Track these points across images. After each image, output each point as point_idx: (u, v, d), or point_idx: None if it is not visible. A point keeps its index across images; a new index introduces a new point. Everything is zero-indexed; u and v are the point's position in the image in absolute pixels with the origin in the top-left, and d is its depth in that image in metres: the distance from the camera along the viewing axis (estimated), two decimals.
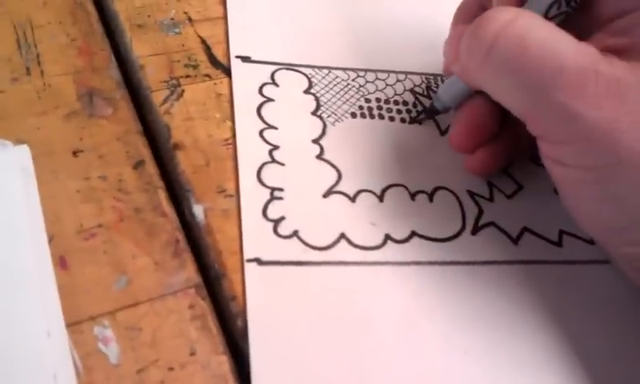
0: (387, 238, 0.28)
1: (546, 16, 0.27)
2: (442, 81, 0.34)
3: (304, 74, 0.33)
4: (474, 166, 0.30)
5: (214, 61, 0.32)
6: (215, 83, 0.32)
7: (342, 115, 0.32)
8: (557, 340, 0.27)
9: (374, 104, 0.33)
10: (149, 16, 0.33)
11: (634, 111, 0.24)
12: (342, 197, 0.29)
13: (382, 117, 0.32)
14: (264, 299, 0.26)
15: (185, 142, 0.29)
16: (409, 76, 0.34)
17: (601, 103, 0.24)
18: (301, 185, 0.29)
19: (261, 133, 0.30)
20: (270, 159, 0.29)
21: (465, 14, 0.31)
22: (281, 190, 0.29)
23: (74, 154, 0.28)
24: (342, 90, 0.33)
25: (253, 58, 0.33)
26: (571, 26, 0.26)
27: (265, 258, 0.27)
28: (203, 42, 0.33)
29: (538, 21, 0.26)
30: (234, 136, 0.30)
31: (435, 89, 0.34)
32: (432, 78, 0.34)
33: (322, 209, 0.29)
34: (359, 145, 0.31)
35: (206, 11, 0.34)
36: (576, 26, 0.26)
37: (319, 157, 0.30)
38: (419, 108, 0.33)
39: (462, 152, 0.30)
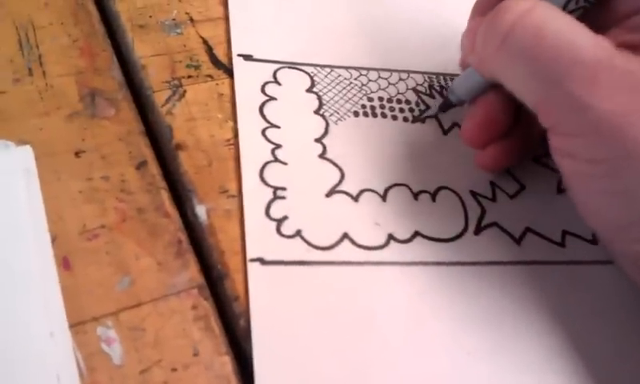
0: (390, 237, 0.28)
1: (565, 10, 0.27)
2: (445, 79, 0.34)
3: (306, 72, 0.33)
4: (485, 162, 0.30)
5: (215, 61, 0.32)
6: (217, 83, 0.32)
7: (345, 114, 0.32)
8: (560, 340, 0.27)
9: (376, 103, 0.32)
10: (150, 16, 0.33)
11: None
12: (344, 196, 0.29)
13: (384, 116, 0.32)
14: (267, 299, 0.26)
15: (187, 142, 0.29)
16: (411, 75, 0.34)
17: (613, 96, 0.24)
18: (303, 184, 0.29)
19: (263, 132, 0.30)
20: (272, 158, 0.29)
21: (483, 7, 0.30)
22: (283, 189, 0.28)
23: (77, 154, 0.28)
24: (344, 88, 0.33)
25: (255, 57, 0.33)
26: (588, 21, 0.26)
27: (268, 257, 0.27)
28: (205, 42, 0.33)
29: (555, 12, 0.26)
30: (235, 136, 0.30)
31: (438, 88, 0.34)
32: (435, 76, 0.34)
33: (324, 208, 0.28)
34: (362, 144, 0.31)
35: (207, 11, 0.34)
36: (593, 21, 0.26)
37: (322, 156, 0.30)
38: (422, 107, 0.33)
39: (473, 147, 0.30)
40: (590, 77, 0.24)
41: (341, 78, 0.33)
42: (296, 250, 0.27)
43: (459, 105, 0.31)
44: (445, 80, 0.34)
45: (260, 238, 0.27)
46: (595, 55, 0.24)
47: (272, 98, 0.31)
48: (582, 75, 0.24)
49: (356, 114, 0.32)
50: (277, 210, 0.28)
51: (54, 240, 0.26)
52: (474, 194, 0.30)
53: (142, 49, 0.32)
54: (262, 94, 0.31)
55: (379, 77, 0.34)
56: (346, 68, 0.33)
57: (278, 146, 0.30)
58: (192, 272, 0.26)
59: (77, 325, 0.24)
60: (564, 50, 0.24)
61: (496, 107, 0.29)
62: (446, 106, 0.32)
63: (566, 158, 0.26)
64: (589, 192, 0.26)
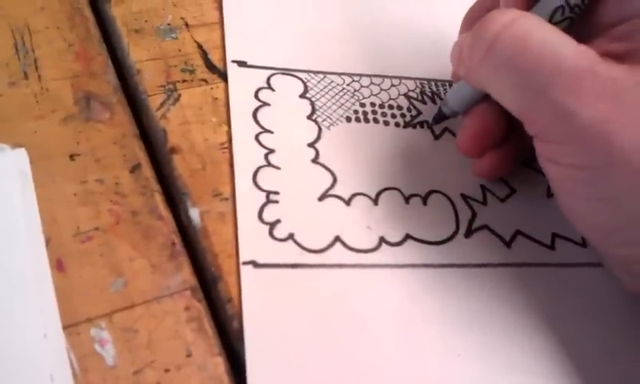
0: (382, 240, 0.28)
1: (550, 21, 0.27)
2: (437, 85, 0.34)
3: (299, 78, 0.33)
4: (483, 170, 0.31)
5: (210, 65, 0.33)
6: (212, 88, 0.32)
7: (337, 119, 0.32)
8: (550, 342, 0.27)
9: (368, 108, 0.33)
10: (146, 21, 0.34)
11: (629, 113, 0.24)
12: (337, 200, 0.29)
13: (376, 121, 0.33)
14: (259, 301, 0.26)
15: (181, 145, 0.30)
16: (403, 81, 0.34)
17: (596, 103, 0.24)
18: (296, 188, 0.29)
19: (256, 137, 0.30)
20: (265, 163, 0.30)
21: (472, 21, 0.31)
22: (276, 193, 0.29)
23: (71, 157, 0.28)
24: (337, 94, 0.33)
25: (249, 63, 0.33)
26: (573, 31, 0.26)
27: (260, 260, 0.27)
28: (200, 46, 0.33)
29: (539, 22, 0.26)
30: (229, 140, 0.30)
31: (429, 94, 0.34)
32: (426, 82, 0.34)
33: (317, 212, 0.29)
34: (354, 149, 0.31)
35: (202, 16, 0.35)
36: (578, 31, 0.27)
37: (314, 160, 0.30)
38: (413, 112, 0.33)
39: (470, 156, 0.31)
40: (573, 85, 0.24)
41: (333, 84, 0.33)
42: (288, 253, 0.27)
43: (453, 116, 0.32)
44: (436, 86, 0.34)
45: (253, 241, 0.27)
46: (578, 63, 0.24)
47: (265, 104, 0.32)
48: (565, 83, 0.24)
49: (348, 119, 0.32)
50: (270, 214, 0.28)
51: (48, 242, 0.26)
52: (464, 197, 0.31)
53: (137, 53, 0.32)
54: (255, 100, 0.32)
55: (371, 83, 0.34)
56: (339, 74, 0.34)
57: (271, 151, 0.30)
58: (185, 274, 0.26)
59: (70, 326, 0.24)
60: (547, 58, 0.25)
61: (489, 117, 0.30)
62: (440, 117, 0.32)
63: (552, 165, 0.26)
64: (574, 198, 0.26)
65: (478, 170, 0.31)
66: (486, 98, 0.29)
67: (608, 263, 0.29)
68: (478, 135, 0.30)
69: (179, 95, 0.31)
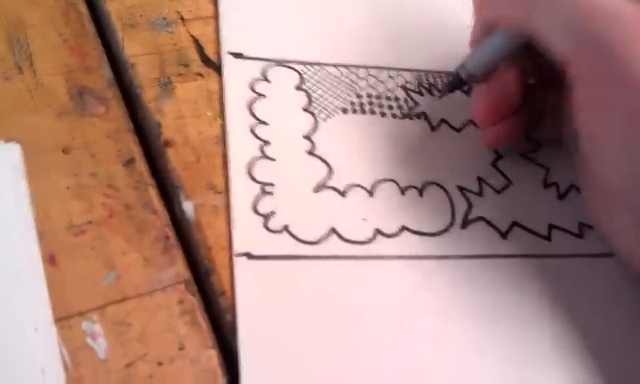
0: (377, 232, 0.28)
1: None
2: (434, 77, 0.34)
3: (295, 70, 0.33)
4: (498, 139, 0.31)
5: (205, 59, 0.33)
6: (207, 81, 0.32)
7: (333, 111, 0.32)
8: (546, 333, 0.27)
9: (365, 100, 0.33)
10: (141, 15, 0.33)
11: None
12: (332, 192, 0.29)
13: (373, 112, 0.32)
14: (254, 293, 0.26)
15: (175, 139, 0.29)
16: (400, 72, 0.34)
17: None
18: (291, 180, 0.29)
19: (252, 128, 0.30)
20: (260, 154, 0.29)
21: None
22: (271, 185, 0.29)
23: (66, 152, 0.28)
24: (333, 85, 0.33)
25: (245, 55, 0.33)
26: None
27: (255, 252, 0.27)
28: (195, 40, 0.33)
29: None
30: (224, 134, 0.30)
31: (426, 85, 0.34)
32: (423, 74, 0.34)
33: (312, 204, 0.29)
34: (350, 140, 0.31)
35: (197, 10, 0.34)
36: None
37: (310, 152, 0.30)
38: (410, 104, 0.33)
39: (484, 125, 0.30)
40: (627, 28, 0.24)
41: (330, 76, 0.33)
42: (283, 244, 0.27)
43: (469, 82, 0.31)
44: (434, 78, 0.34)
45: (247, 233, 0.27)
46: (635, 7, 0.24)
47: (261, 96, 0.31)
48: (622, 29, 0.24)
49: (345, 110, 0.32)
50: (264, 206, 0.28)
51: (41, 236, 0.26)
52: (460, 188, 0.30)
53: (131, 47, 0.32)
54: (250, 92, 0.32)
55: (368, 74, 0.34)
56: (335, 65, 0.34)
57: (267, 143, 0.30)
58: (179, 267, 0.26)
59: (62, 319, 0.24)
60: (607, 1, 0.25)
61: (512, 84, 0.29)
62: (456, 83, 0.31)
63: (588, 112, 0.26)
64: (605, 146, 0.26)
65: (492, 140, 0.31)
66: (505, 66, 0.28)
67: (621, 237, 0.28)
68: (498, 103, 0.29)
69: (174, 89, 0.31)
